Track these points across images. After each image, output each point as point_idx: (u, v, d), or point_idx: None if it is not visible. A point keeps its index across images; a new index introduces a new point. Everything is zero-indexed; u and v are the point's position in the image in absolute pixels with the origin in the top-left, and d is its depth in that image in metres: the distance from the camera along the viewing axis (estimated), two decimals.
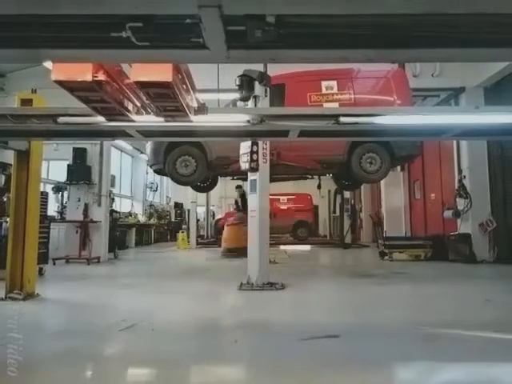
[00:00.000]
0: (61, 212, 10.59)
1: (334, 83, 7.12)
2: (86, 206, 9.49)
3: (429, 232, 11.14)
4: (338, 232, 16.16)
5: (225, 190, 22.24)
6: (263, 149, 5.61)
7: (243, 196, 10.71)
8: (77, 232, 9.23)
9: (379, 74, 7.43)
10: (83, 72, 2.47)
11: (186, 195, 16.81)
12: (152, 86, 2.62)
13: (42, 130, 3.88)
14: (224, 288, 5.69)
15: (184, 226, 17.53)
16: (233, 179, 10.00)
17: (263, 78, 5.63)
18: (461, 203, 9.16)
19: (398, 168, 13.01)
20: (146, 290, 5.63)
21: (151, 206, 19.06)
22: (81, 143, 9.66)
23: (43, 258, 6.60)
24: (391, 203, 13.36)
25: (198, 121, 3.48)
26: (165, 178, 15.04)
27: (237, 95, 6.13)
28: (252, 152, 5.15)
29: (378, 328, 3.56)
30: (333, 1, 1.85)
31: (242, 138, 4.89)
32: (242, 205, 10.77)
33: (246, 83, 5.61)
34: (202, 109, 3.42)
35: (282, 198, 17.62)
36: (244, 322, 3.89)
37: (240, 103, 6.66)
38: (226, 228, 11.44)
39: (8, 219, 5.44)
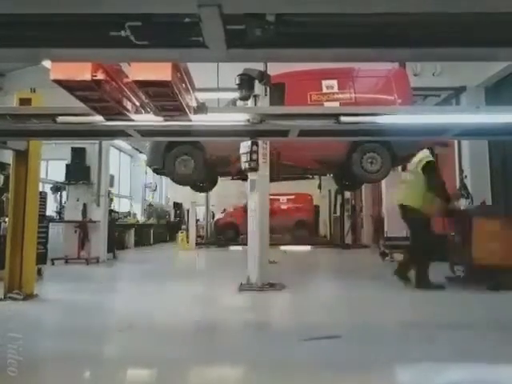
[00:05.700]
0: (59, 212, 10.57)
1: (334, 82, 7.10)
2: (85, 206, 9.44)
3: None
4: (338, 232, 16.12)
5: (225, 190, 22.18)
6: (263, 148, 5.58)
7: None
8: (75, 232, 9.17)
9: (380, 73, 7.40)
10: (82, 71, 2.45)
11: (185, 195, 16.77)
12: (151, 85, 2.60)
13: (41, 129, 3.86)
14: (224, 288, 5.67)
15: (183, 226, 17.51)
16: (232, 179, 9.97)
17: (263, 77, 5.61)
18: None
19: (399, 168, 12.97)
20: (146, 291, 5.60)
21: (150, 205, 19.03)
22: (80, 143, 9.62)
23: (42, 258, 6.55)
24: (392, 203, 13.31)
25: (198, 120, 3.46)
26: (164, 177, 15.01)
27: (236, 94, 6.11)
28: (252, 152, 5.13)
29: (381, 329, 3.54)
30: None
31: (242, 137, 4.87)
32: None
33: (246, 82, 5.59)
34: (201, 108, 3.40)
35: (281, 197, 17.55)
36: (244, 322, 3.87)
37: (240, 102, 6.64)
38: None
39: (6, 219, 5.42)
